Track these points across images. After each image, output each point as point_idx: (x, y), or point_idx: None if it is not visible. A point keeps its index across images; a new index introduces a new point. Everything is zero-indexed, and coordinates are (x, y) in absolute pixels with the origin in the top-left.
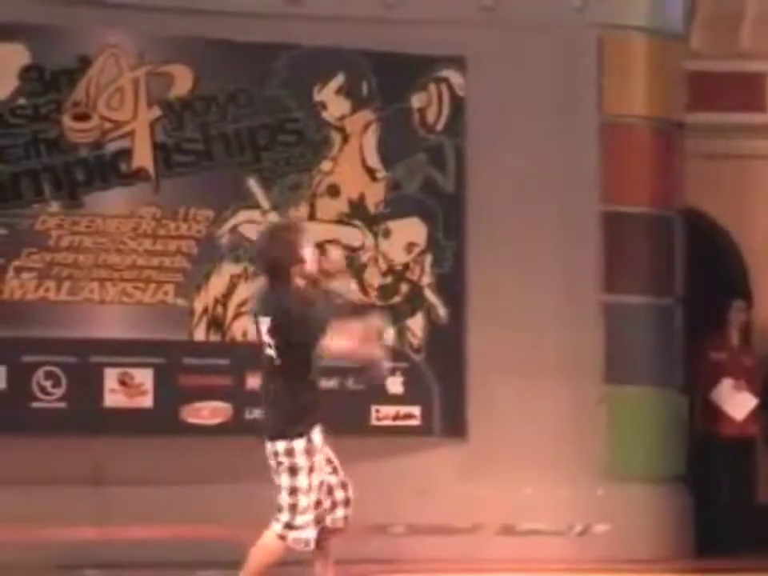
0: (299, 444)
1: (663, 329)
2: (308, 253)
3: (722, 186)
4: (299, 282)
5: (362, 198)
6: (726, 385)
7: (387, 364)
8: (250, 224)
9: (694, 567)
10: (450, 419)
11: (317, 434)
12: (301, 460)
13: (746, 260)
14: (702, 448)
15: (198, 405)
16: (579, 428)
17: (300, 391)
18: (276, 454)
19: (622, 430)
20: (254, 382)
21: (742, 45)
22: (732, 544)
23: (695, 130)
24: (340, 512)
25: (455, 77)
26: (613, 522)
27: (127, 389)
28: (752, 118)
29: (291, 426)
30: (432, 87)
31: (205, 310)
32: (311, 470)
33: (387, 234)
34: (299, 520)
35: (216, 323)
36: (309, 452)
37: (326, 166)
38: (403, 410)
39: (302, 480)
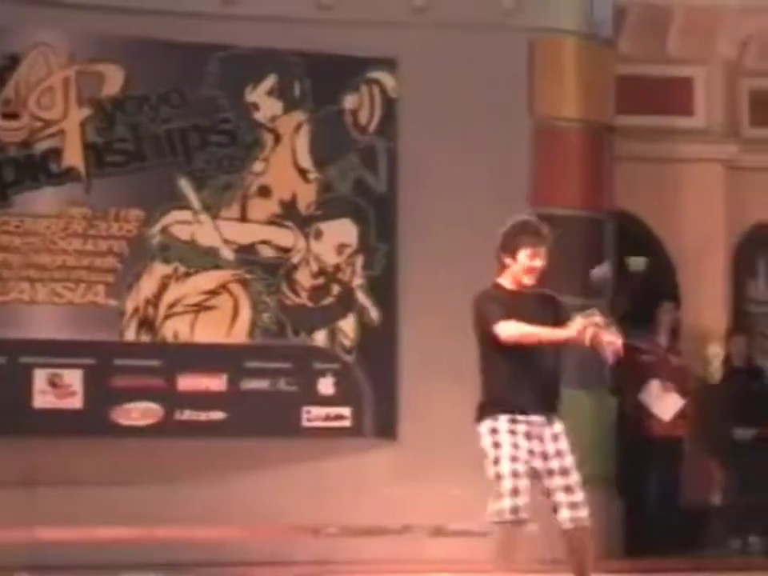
0: None
1: None
2: (524, 254)
3: (651, 188)
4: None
5: (293, 198)
6: (654, 386)
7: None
8: (181, 224)
9: (622, 567)
10: (381, 420)
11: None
12: None
13: (675, 261)
14: (631, 449)
15: (128, 406)
16: None
17: None
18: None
19: None
20: (185, 383)
21: (670, 49)
22: (660, 544)
23: (625, 133)
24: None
25: (387, 78)
26: (542, 522)
27: (57, 390)
28: (680, 121)
29: None
30: (364, 88)
31: (136, 311)
32: None
33: (319, 235)
34: None
35: (147, 324)
36: None
37: (257, 166)
38: (334, 411)
39: None
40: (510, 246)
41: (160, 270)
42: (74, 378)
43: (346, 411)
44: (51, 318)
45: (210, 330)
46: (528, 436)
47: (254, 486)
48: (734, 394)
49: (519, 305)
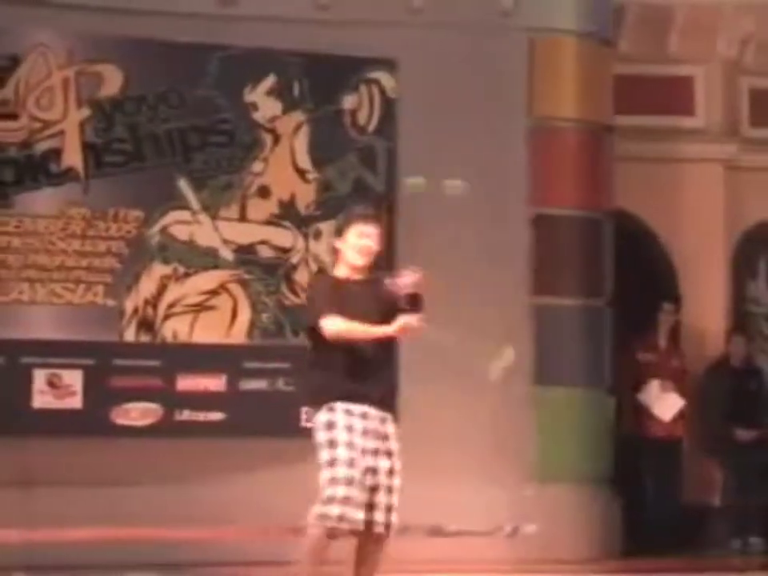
0: None
1: (592, 330)
2: (354, 233)
3: (650, 188)
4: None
5: (292, 199)
6: (654, 386)
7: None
8: (180, 225)
9: (620, 567)
10: None
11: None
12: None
13: (675, 262)
14: (630, 449)
15: (127, 406)
16: (508, 429)
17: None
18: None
19: (550, 431)
20: (184, 383)
21: (670, 49)
22: (658, 544)
23: (624, 133)
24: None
25: (386, 78)
26: (541, 522)
27: (56, 390)
28: (681, 121)
29: None
30: (363, 89)
31: (135, 311)
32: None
33: (318, 235)
34: None
35: (146, 324)
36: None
37: (256, 167)
38: None
39: None
40: (340, 231)
41: (159, 270)
42: (73, 379)
43: None
44: (50, 318)
45: (209, 331)
46: (364, 433)
47: (253, 487)
48: (733, 394)
49: (349, 293)
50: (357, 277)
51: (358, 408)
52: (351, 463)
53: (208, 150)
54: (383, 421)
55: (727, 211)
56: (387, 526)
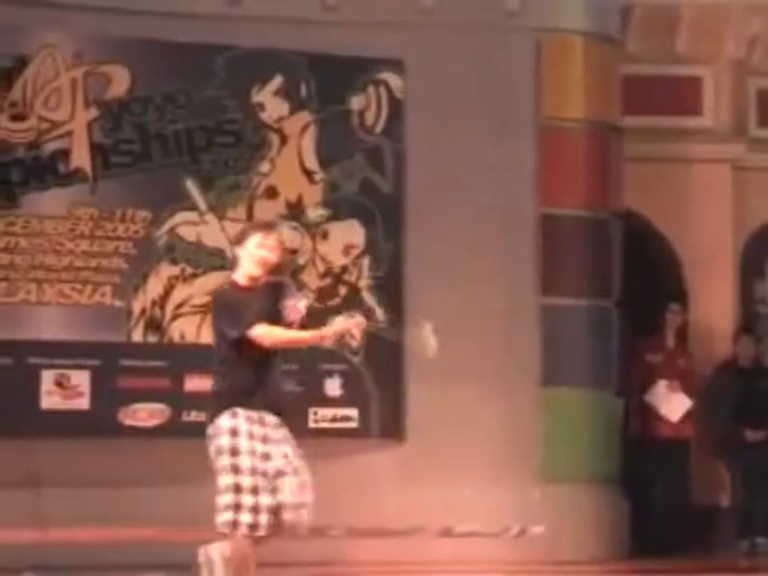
0: None
1: (599, 331)
2: (253, 243)
3: (658, 189)
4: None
5: (300, 199)
6: (661, 386)
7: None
8: (188, 225)
9: (628, 568)
10: (388, 421)
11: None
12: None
13: (683, 262)
14: (638, 450)
15: (135, 406)
16: (516, 430)
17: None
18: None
19: (557, 432)
20: (192, 383)
21: (677, 49)
22: (667, 545)
23: (632, 134)
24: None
25: (394, 79)
26: (549, 523)
27: (64, 390)
28: (688, 121)
29: None
30: (371, 89)
31: (143, 312)
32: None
33: (325, 235)
34: None
35: (154, 325)
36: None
37: (264, 167)
38: (341, 412)
39: None
40: (240, 239)
41: (167, 270)
42: (81, 379)
43: (353, 412)
44: (58, 318)
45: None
46: (264, 439)
47: None
48: (741, 394)
49: (249, 302)
50: (255, 284)
51: (255, 414)
52: (254, 471)
53: (215, 151)
54: (278, 425)
55: (735, 211)
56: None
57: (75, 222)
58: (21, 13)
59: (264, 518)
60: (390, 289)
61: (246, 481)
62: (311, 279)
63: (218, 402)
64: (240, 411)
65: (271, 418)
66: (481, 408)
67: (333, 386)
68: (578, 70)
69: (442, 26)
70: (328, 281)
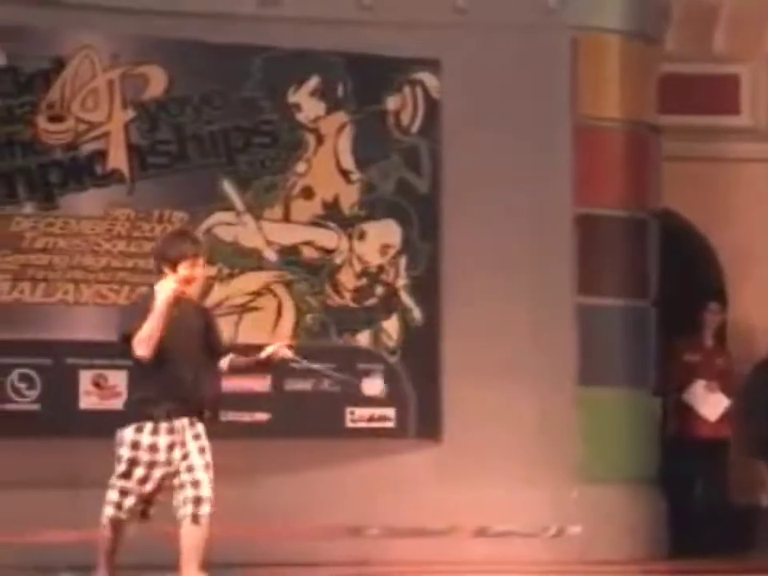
0: None
1: (637, 331)
2: (185, 265)
3: (696, 188)
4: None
5: (336, 199)
6: (699, 386)
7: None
8: (225, 226)
9: (667, 569)
10: (425, 421)
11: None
12: None
13: (721, 262)
14: (676, 449)
15: None
16: (553, 430)
17: None
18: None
19: (595, 431)
20: (229, 383)
21: (716, 47)
22: (705, 545)
23: (669, 133)
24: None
25: (430, 79)
26: (586, 523)
27: (101, 391)
28: (726, 120)
29: None
30: (407, 89)
31: None
32: None
33: (362, 235)
34: None
35: None
36: None
37: (300, 167)
38: (378, 412)
39: None
40: (169, 257)
41: (204, 271)
42: (118, 379)
43: (389, 412)
44: (96, 319)
45: (253, 331)
46: (170, 447)
47: (297, 487)
48: None
49: (177, 315)
50: (183, 298)
51: (165, 425)
52: (142, 481)
53: (252, 151)
54: (190, 425)
55: None
56: (195, 516)
57: (112, 223)
58: (58, 15)
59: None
60: (427, 288)
61: (133, 488)
62: (348, 279)
63: (130, 410)
64: (146, 425)
65: (179, 422)
66: (518, 408)
67: (370, 386)
68: (615, 68)
69: (477, 25)
70: (364, 281)
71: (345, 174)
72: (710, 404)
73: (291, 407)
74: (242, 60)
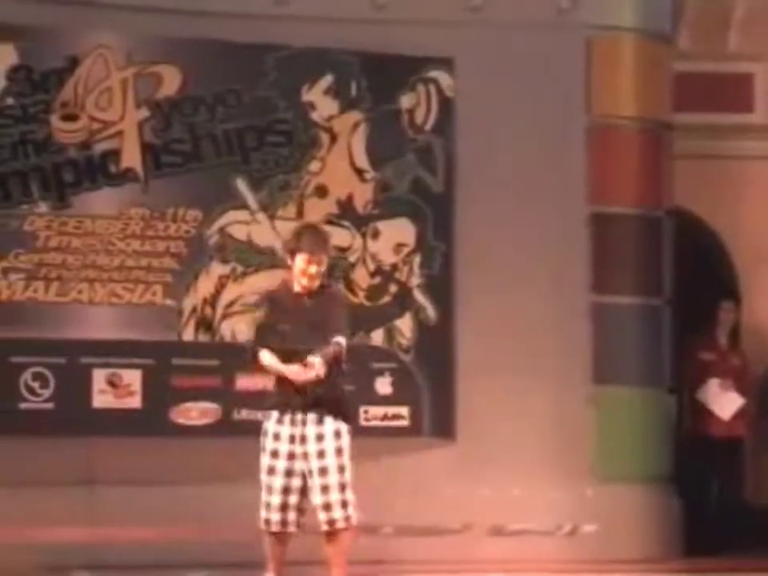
0: None
1: (651, 329)
2: (301, 259)
3: (710, 186)
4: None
5: (350, 198)
6: (713, 384)
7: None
8: (239, 224)
9: (682, 567)
10: (439, 420)
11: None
12: None
13: (735, 260)
14: (691, 448)
15: (186, 405)
16: (568, 428)
17: None
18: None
19: (610, 430)
20: (242, 382)
21: (729, 45)
22: (720, 544)
23: (683, 131)
24: None
25: (444, 77)
26: (601, 522)
27: (116, 389)
28: (740, 118)
29: None
30: (421, 88)
31: (194, 311)
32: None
33: (376, 234)
34: None
35: (205, 324)
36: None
37: (314, 166)
38: (392, 410)
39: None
40: (289, 249)
41: (218, 269)
42: (132, 378)
43: (403, 411)
44: (110, 318)
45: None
46: (292, 439)
47: None
48: None
49: (294, 307)
50: (306, 290)
51: (287, 416)
52: (271, 471)
53: (266, 150)
54: (318, 422)
55: None
56: (331, 522)
57: (126, 222)
58: (72, 14)
59: (275, 515)
60: (441, 287)
61: (263, 479)
62: (362, 278)
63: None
64: (272, 414)
65: (302, 416)
66: (532, 406)
67: (384, 384)
68: (629, 67)
69: (491, 23)
70: (378, 279)
71: (359, 172)
72: (724, 403)
73: None
74: (256, 59)
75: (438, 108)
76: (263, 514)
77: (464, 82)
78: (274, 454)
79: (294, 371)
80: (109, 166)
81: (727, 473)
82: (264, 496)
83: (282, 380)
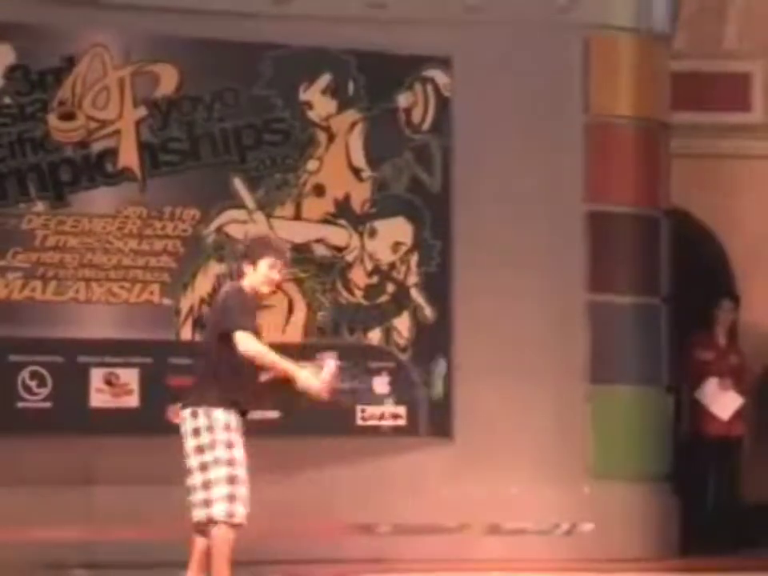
0: None
1: (649, 328)
2: (266, 264)
3: (707, 185)
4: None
5: (347, 197)
6: (712, 384)
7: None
8: (236, 224)
9: (679, 566)
10: (436, 419)
11: None
12: None
13: (733, 259)
14: (689, 447)
15: None
16: (565, 427)
17: None
18: None
19: (607, 429)
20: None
21: (726, 44)
22: (718, 543)
23: (680, 130)
24: None
25: (441, 76)
26: (598, 521)
27: (113, 389)
28: (737, 117)
29: None
30: (418, 87)
31: (191, 310)
32: None
33: (373, 233)
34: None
35: (202, 323)
36: None
37: (311, 165)
38: (389, 410)
39: None
40: (252, 256)
41: (215, 269)
42: (130, 377)
43: (400, 410)
44: (107, 317)
45: (264, 329)
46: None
47: (309, 485)
48: None
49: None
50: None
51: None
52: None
53: (263, 149)
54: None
55: None
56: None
57: (124, 221)
58: (69, 13)
59: (240, 508)
60: (438, 286)
61: (240, 472)
62: (359, 277)
63: (213, 395)
64: (232, 410)
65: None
66: (529, 405)
67: (381, 384)
68: (626, 66)
69: (489, 23)
70: (376, 278)
71: (356, 171)
72: (722, 402)
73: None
74: (254, 58)
75: (435, 107)
76: (242, 510)
77: (461, 81)
78: (238, 445)
79: (309, 381)
80: (106, 165)
81: (725, 472)
82: (244, 491)
83: (240, 373)
